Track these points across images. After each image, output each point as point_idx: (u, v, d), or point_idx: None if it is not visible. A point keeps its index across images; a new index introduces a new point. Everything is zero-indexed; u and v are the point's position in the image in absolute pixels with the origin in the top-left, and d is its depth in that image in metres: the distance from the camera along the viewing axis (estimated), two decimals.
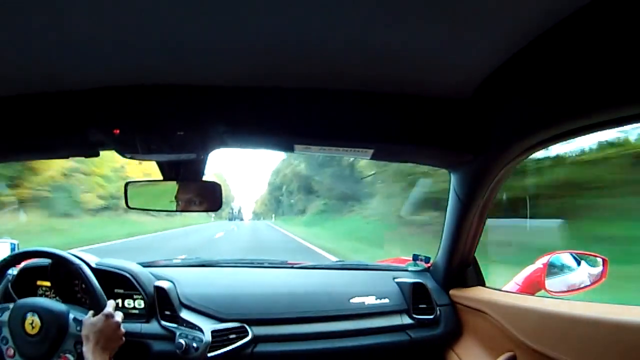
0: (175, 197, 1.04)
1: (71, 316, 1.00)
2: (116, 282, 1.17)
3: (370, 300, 1.24)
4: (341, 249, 8.86)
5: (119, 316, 1.01)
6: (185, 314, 1.12)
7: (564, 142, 0.71)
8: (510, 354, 0.96)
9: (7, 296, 1.11)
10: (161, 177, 1.06)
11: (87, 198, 13.15)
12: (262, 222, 34.55)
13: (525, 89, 0.68)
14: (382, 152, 0.91)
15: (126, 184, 1.06)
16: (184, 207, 1.04)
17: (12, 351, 0.96)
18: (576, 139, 0.69)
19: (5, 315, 0.99)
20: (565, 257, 1.19)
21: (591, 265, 1.14)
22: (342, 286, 1.29)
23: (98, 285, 1.04)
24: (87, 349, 0.93)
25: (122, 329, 1.00)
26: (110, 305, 1.01)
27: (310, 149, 0.90)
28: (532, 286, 1.14)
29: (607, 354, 0.68)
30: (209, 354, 1.05)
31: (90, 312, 0.99)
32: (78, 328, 0.97)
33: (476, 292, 1.20)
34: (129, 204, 1.06)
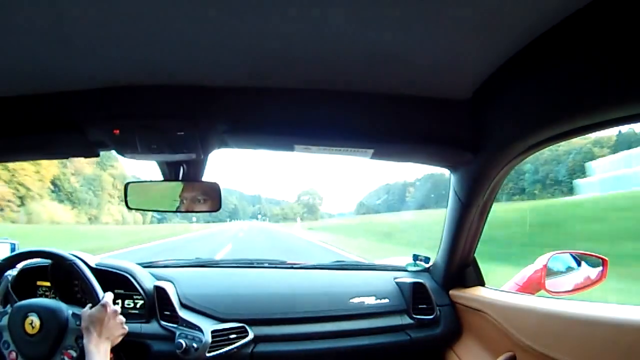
0: (176, 198, 1.04)
1: (69, 312, 1.00)
2: (116, 282, 1.17)
3: (370, 301, 1.24)
4: None
5: (116, 306, 1.01)
6: (185, 314, 1.12)
7: (564, 141, 0.71)
8: (510, 354, 0.96)
9: (7, 297, 1.11)
10: (161, 178, 1.06)
11: None
12: None
13: (525, 89, 0.68)
14: (382, 152, 0.91)
15: (126, 184, 1.06)
16: (185, 207, 1.04)
17: (14, 354, 0.96)
18: (576, 138, 0.69)
19: (5, 320, 0.99)
20: (565, 257, 1.19)
21: (591, 266, 1.14)
22: (342, 286, 1.29)
23: (94, 279, 1.05)
24: (87, 341, 0.93)
25: (122, 318, 1.01)
26: (107, 296, 1.01)
27: (311, 149, 0.90)
28: (532, 286, 1.14)
29: (606, 354, 0.68)
30: (209, 354, 1.05)
31: (88, 305, 0.99)
32: (77, 323, 0.98)
33: (476, 292, 1.20)
34: (129, 204, 1.06)
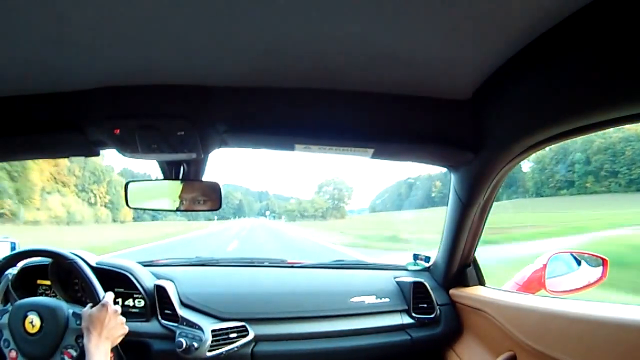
0: (176, 197, 1.04)
1: (70, 311, 1.00)
2: (116, 281, 1.17)
3: (371, 300, 1.24)
4: None
5: (117, 306, 1.01)
6: (185, 313, 1.12)
7: (564, 141, 0.71)
8: (510, 354, 0.96)
9: (8, 295, 1.11)
10: (162, 177, 1.06)
11: None
12: None
13: (525, 89, 0.68)
14: (382, 151, 0.91)
15: (127, 183, 1.06)
16: (185, 207, 1.04)
17: (14, 353, 0.96)
18: (576, 138, 0.69)
19: (5, 318, 0.99)
20: (565, 257, 1.19)
21: (591, 265, 1.15)
22: (343, 285, 1.30)
23: (95, 278, 1.05)
24: (87, 341, 0.93)
25: (122, 318, 1.01)
26: (108, 296, 1.01)
27: (311, 148, 0.90)
28: (532, 286, 1.14)
29: (607, 354, 0.68)
30: (209, 353, 1.05)
31: (89, 305, 1.00)
32: (78, 322, 0.98)
33: (476, 292, 1.20)
34: (130, 204, 1.07)
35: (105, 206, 22.53)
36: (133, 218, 23.84)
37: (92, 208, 21.55)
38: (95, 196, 21.95)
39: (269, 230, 20.41)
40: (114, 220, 22.36)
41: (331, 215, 34.31)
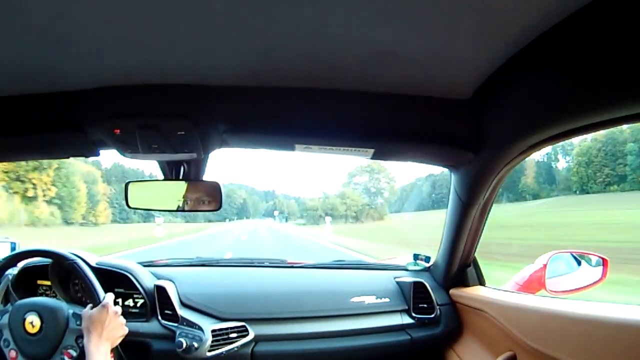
0: (176, 197, 1.04)
1: (70, 311, 1.00)
2: (117, 281, 1.17)
3: (371, 300, 1.24)
4: None
5: (117, 307, 1.01)
6: (185, 313, 1.12)
7: (564, 141, 0.71)
8: (510, 354, 0.96)
9: (8, 296, 1.11)
10: (162, 177, 1.06)
11: None
12: None
13: (525, 89, 0.68)
14: (382, 151, 0.91)
15: (127, 184, 1.06)
16: (186, 207, 1.04)
17: (14, 353, 0.96)
18: (576, 138, 0.69)
19: (5, 318, 0.99)
20: (565, 257, 1.19)
21: (591, 265, 1.15)
22: (343, 285, 1.30)
23: (95, 279, 1.05)
24: (87, 341, 0.93)
25: (122, 318, 1.01)
26: (108, 297, 1.01)
27: (311, 148, 0.90)
28: (533, 286, 1.14)
29: (606, 354, 0.68)
30: (209, 353, 1.05)
31: (89, 306, 1.00)
32: (78, 322, 0.98)
33: (476, 292, 1.20)
34: (130, 204, 1.07)
35: (50, 202, 16.01)
36: (118, 219, 18.05)
37: (30, 204, 15.37)
38: (34, 188, 15.46)
39: (280, 237, 14.63)
40: (67, 222, 16.32)
41: (367, 215, 24.80)
